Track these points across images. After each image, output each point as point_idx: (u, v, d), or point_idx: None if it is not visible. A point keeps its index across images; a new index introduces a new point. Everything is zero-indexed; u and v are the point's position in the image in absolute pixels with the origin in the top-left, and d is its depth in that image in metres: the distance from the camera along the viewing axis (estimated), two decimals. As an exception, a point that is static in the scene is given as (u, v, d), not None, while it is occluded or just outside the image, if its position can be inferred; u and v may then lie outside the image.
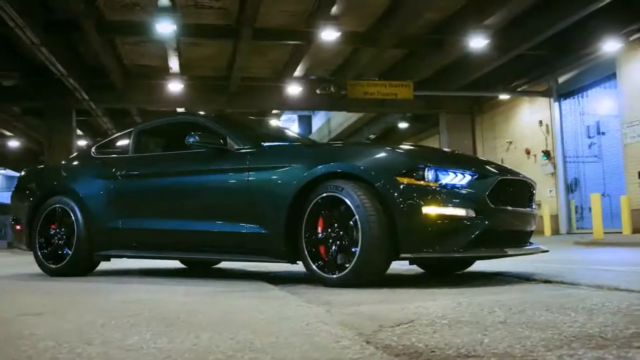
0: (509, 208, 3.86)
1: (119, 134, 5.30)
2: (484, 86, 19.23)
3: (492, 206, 3.62)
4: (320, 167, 3.78)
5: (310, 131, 40.15)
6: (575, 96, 17.59)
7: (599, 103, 16.85)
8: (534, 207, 4.42)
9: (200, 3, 14.48)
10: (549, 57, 16.79)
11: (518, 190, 4.10)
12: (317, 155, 3.98)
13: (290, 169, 3.93)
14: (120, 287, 3.86)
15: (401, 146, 4.02)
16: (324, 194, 3.70)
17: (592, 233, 12.45)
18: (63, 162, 5.91)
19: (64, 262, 4.85)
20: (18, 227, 5.26)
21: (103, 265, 6.07)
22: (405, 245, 3.49)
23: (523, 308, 2.42)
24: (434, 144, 23.16)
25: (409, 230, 3.48)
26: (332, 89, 17.97)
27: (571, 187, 17.72)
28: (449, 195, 3.54)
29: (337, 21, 14.12)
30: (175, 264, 6.21)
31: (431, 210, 3.48)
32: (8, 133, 24.88)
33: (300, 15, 15.12)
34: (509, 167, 4.34)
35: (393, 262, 3.67)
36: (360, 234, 3.49)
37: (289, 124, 49.89)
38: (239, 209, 4.11)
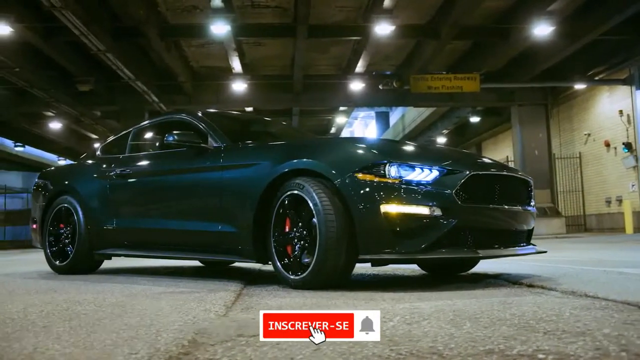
0: (488, 206, 3.56)
1: (120, 134, 5.41)
2: (559, 75, 18.17)
3: (461, 204, 3.34)
4: (284, 164, 3.66)
5: (388, 127, 39.72)
6: (661, 83, 16.22)
7: (688, 89, 15.45)
8: (530, 205, 4.06)
9: (256, 2, 14.63)
10: (630, 41, 15.55)
11: (506, 187, 3.77)
12: (285, 152, 3.85)
13: (259, 166, 3.84)
14: (81, 286, 3.89)
15: (366, 140, 3.82)
16: (289, 192, 3.57)
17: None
18: (73, 162, 6.12)
19: (67, 260, 5.01)
20: (34, 226, 5.50)
21: (124, 263, 6.25)
22: (363, 246, 3.31)
23: (427, 317, 2.19)
24: (509, 139, 22.15)
25: (367, 230, 3.29)
26: (394, 84, 17.61)
27: (656, 182, 16.38)
28: (411, 192, 3.30)
29: (393, 14, 13.80)
30: (195, 262, 6.25)
31: (391, 208, 3.27)
32: (93, 135, 26.39)
33: (357, 10, 14.94)
34: (496, 162, 4.01)
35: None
36: (318, 234, 3.35)
37: (368, 121, 49.79)
38: (213, 208, 4.07)
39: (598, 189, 18.52)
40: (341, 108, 23.97)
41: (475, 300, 2.74)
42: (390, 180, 3.31)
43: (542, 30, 13.98)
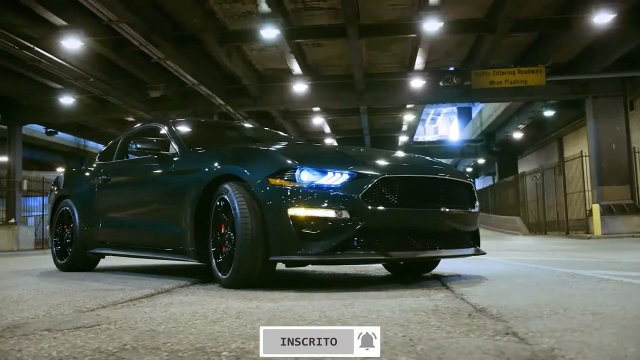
0: (404, 208, 3.56)
1: (113, 141, 5.84)
2: (637, 64, 17.01)
3: (369, 207, 3.40)
4: (215, 170, 3.88)
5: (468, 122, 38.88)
6: None
7: None
8: (473, 206, 4.01)
9: (309, 5, 14.88)
10: None
11: (437, 189, 3.77)
12: (221, 159, 4.05)
13: (199, 172, 4.06)
14: (41, 282, 4.30)
15: (285, 145, 3.94)
16: (220, 196, 3.78)
17: None
18: (78, 168, 6.63)
19: (66, 259, 5.49)
20: (47, 227, 6.05)
21: (135, 262, 6.69)
22: (274, 248, 3.46)
23: (234, 316, 2.33)
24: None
25: (277, 233, 3.44)
26: (454, 80, 17.27)
27: None
28: (318, 196, 3.41)
29: (441, 10, 13.60)
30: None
31: (298, 212, 3.39)
32: (174, 138, 27.81)
33: (410, 8, 14.81)
34: (434, 166, 3.99)
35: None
36: (235, 236, 3.53)
37: (452, 117, 48.82)
38: (166, 211, 4.36)
39: (683, 185, 17.20)
40: (408, 105, 23.74)
41: (332, 301, 2.82)
42: (298, 185, 3.43)
43: (602, 18, 13.23)
